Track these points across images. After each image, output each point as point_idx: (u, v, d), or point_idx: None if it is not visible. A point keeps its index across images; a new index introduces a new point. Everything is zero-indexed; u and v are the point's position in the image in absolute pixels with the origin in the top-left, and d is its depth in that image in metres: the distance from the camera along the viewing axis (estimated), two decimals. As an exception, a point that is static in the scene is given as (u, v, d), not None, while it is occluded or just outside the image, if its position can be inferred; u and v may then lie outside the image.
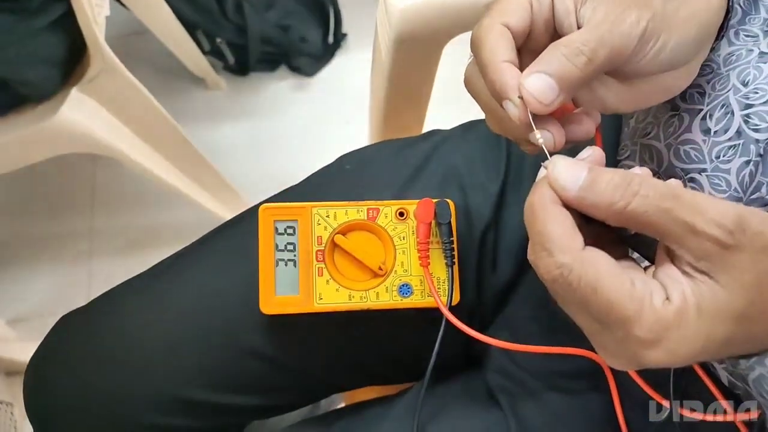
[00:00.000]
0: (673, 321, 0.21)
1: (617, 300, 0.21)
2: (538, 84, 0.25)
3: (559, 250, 0.22)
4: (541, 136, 0.26)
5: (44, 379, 0.42)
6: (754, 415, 0.32)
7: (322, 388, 0.45)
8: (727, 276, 0.21)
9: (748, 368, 0.25)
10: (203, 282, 0.42)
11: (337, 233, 0.40)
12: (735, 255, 0.21)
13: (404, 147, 0.48)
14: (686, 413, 0.33)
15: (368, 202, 0.40)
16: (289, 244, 0.39)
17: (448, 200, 0.39)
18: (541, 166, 0.26)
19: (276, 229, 0.39)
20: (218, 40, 1.15)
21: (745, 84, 0.31)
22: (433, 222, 0.39)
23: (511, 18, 0.26)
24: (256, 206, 0.45)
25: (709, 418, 0.33)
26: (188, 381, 0.40)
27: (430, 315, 0.39)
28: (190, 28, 1.10)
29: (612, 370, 0.37)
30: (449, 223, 0.39)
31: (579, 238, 0.23)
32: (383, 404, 0.44)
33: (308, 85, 1.27)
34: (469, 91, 0.29)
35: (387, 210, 0.40)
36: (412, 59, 0.49)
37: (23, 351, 0.84)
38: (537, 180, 0.25)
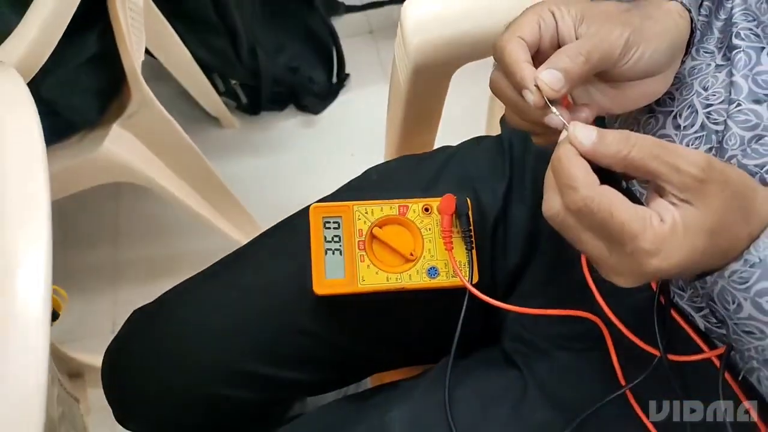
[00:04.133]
0: (668, 234, 0.29)
1: (628, 220, 0.29)
2: (550, 76, 0.33)
3: (583, 185, 0.30)
4: (557, 112, 0.34)
5: (121, 363, 0.49)
6: (721, 351, 0.39)
7: (362, 366, 0.52)
8: (702, 202, 0.29)
9: (713, 284, 0.32)
10: (261, 271, 0.49)
11: (375, 226, 0.48)
12: (707, 186, 0.29)
13: (422, 159, 0.56)
14: (674, 358, 0.41)
15: (399, 200, 0.49)
16: (335, 236, 0.47)
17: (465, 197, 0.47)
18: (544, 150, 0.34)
19: (324, 224, 0.47)
20: (233, 82, 1.25)
21: (705, 89, 0.40)
22: (454, 215, 0.47)
23: (525, 32, 0.35)
24: (302, 210, 0.53)
25: (692, 358, 0.40)
26: (249, 355, 0.47)
27: (454, 294, 0.47)
28: (207, 71, 1.20)
29: (608, 328, 0.44)
30: (467, 214, 0.47)
31: (596, 178, 0.31)
32: (412, 380, 0.51)
33: (315, 121, 1.36)
34: (493, 91, 0.38)
35: (414, 206, 0.49)
36: (426, 86, 0.58)
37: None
38: (559, 142, 0.33)
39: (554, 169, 0.32)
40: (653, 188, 0.31)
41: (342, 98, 1.39)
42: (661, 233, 0.29)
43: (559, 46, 0.35)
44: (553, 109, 0.34)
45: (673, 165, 0.29)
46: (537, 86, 0.33)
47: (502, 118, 0.57)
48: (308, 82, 1.32)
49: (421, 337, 0.52)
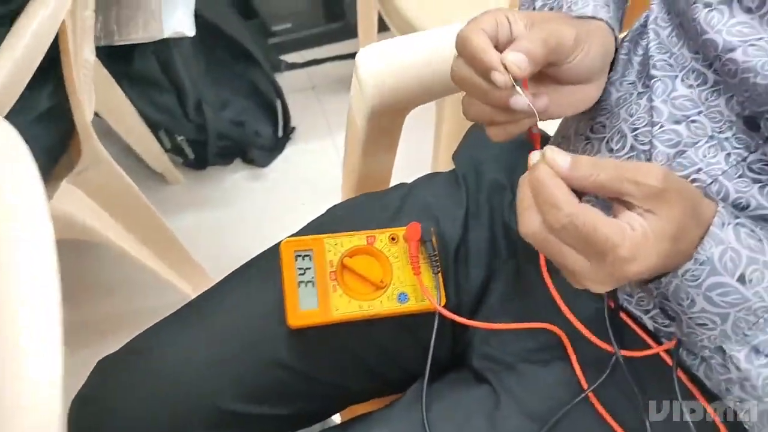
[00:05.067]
0: (641, 242, 0.32)
1: (610, 233, 0.32)
2: (515, 57, 0.36)
3: (565, 204, 0.33)
4: (522, 92, 0.37)
5: (91, 411, 0.48)
6: (670, 345, 0.43)
7: (338, 398, 0.53)
8: (663, 210, 0.33)
9: (667, 284, 0.36)
10: (234, 309, 0.50)
11: (345, 257, 0.50)
12: (666, 195, 0.33)
13: (382, 195, 0.60)
14: (626, 353, 0.45)
15: (366, 231, 0.51)
16: (307, 268, 0.49)
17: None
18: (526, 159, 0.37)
19: (296, 257, 0.49)
20: (179, 138, 1.26)
21: (631, 115, 0.45)
22: (419, 241, 0.50)
23: (485, 25, 0.38)
24: (269, 248, 0.55)
25: (644, 352, 0.44)
26: (228, 395, 0.47)
27: (424, 318, 0.49)
28: (154, 128, 1.21)
29: (569, 338, 0.48)
30: (431, 240, 0.51)
31: (575, 197, 0.34)
32: (386, 408, 0.52)
33: (263, 174, 1.38)
34: (455, 80, 0.40)
35: (381, 236, 0.51)
36: (381, 127, 0.62)
37: None
38: (531, 165, 0.36)
39: (535, 190, 0.34)
40: (617, 202, 0.35)
41: (288, 151, 1.42)
42: (635, 241, 0.32)
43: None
44: (519, 89, 0.37)
45: (636, 181, 0.33)
46: (505, 67, 0.36)
47: (455, 154, 0.62)
48: (254, 135, 1.35)
49: (396, 363, 0.53)
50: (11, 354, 0.31)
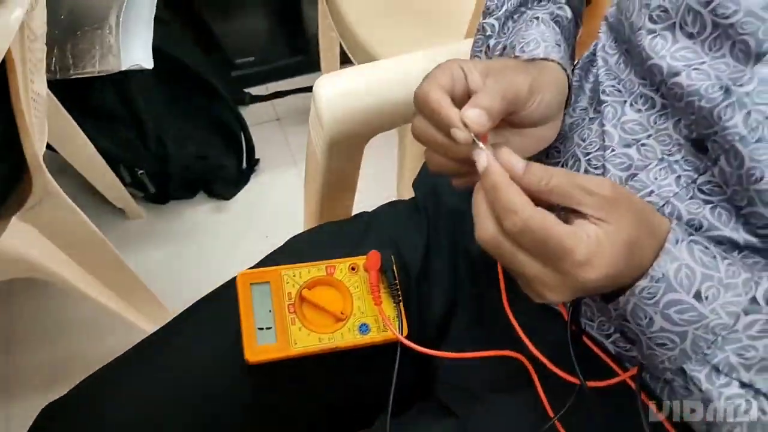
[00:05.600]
0: (595, 247, 0.32)
1: (566, 237, 0.32)
2: (475, 113, 0.36)
3: (522, 208, 0.33)
4: (483, 146, 0.36)
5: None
6: (634, 371, 0.43)
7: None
8: (615, 219, 0.33)
9: (625, 303, 0.36)
10: (189, 347, 0.48)
11: (304, 288, 0.49)
12: (617, 205, 0.33)
13: (343, 224, 0.59)
14: (592, 383, 0.44)
15: (325, 261, 0.50)
16: (264, 300, 0.47)
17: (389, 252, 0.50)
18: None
19: (252, 290, 0.47)
20: (140, 172, 1.23)
21: (583, 140, 0.46)
22: (380, 270, 0.49)
23: (441, 81, 0.39)
24: (226, 282, 0.53)
25: (609, 382, 0.43)
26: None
27: (386, 350, 0.48)
28: (113, 162, 1.18)
29: (534, 365, 0.47)
30: (392, 269, 0.50)
31: (531, 201, 0.33)
32: None
33: (227, 206, 1.36)
34: (417, 137, 0.41)
35: (341, 266, 0.50)
36: (341, 157, 0.62)
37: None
38: (484, 173, 0.35)
39: (491, 196, 0.34)
40: (570, 213, 0.35)
41: (253, 182, 1.40)
42: (589, 246, 0.32)
43: (470, 96, 0.39)
44: (480, 143, 0.37)
45: (587, 189, 0.34)
46: (464, 124, 0.36)
47: (414, 182, 0.62)
48: (218, 168, 1.33)
49: (360, 397, 0.51)
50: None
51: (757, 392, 0.34)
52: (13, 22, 0.55)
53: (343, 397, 0.51)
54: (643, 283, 0.35)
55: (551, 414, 0.46)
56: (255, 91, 1.54)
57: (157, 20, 1.08)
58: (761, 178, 0.36)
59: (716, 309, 0.34)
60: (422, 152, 0.56)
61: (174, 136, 1.23)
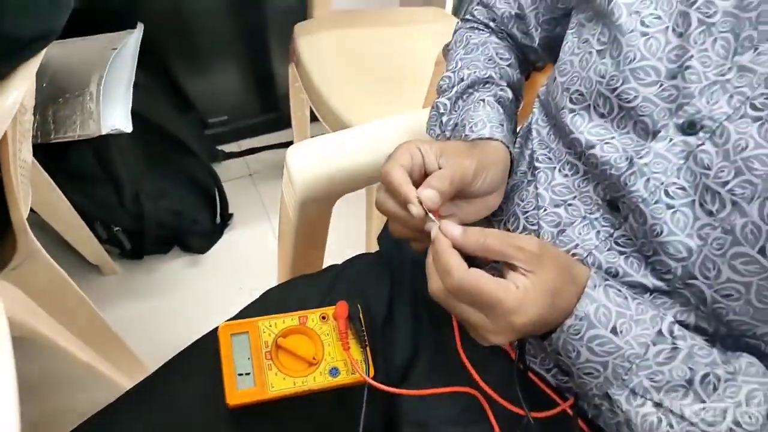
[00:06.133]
0: (523, 296, 0.39)
1: (495, 290, 0.39)
2: (429, 194, 0.44)
3: (456, 270, 0.40)
4: (434, 219, 0.44)
5: None
6: (571, 401, 0.49)
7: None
8: (542, 271, 0.40)
9: (557, 339, 0.42)
10: (172, 395, 0.52)
11: (279, 337, 0.54)
12: (543, 259, 0.40)
13: (314, 277, 0.64)
14: (536, 415, 0.50)
15: (298, 312, 0.55)
16: (243, 348, 0.52)
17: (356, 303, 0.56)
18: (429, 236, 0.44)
19: (233, 339, 0.52)
20: (115, 228, 1.27)
21: (522, 200, 0.53)
22: (348, 319, 0.55)
23: (402, 161, 0.46)
24: (206, 334, 0.58)
25: (550, 413, 0.49)
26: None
27: (355, 392, 0.53)
28: (89, 220, 1.22)
29: (487, 400, 0.53)
30: (359, 317, 0.55)
31: (465, 264, 0.40)
32: None
33: (201, 260, 1.40)
34: (380, 209, 0.48)
35: (313, 316, 0.56)
36: (311, 215, 0.68)
37: None
38: (433, 239, 0.43)
39: (435, 259, 0.42)
40: (505, 266, 0.42)
41: (227, 236, 1.45)
42: (518, 295, 0.39)
43: (426, 173, 0.47)
44: (432, 217, 0.44)
45: (518, 246, 0.41)
46: (420, 201, 0.44)
47: (379, 236, 0.68)
48: (192, 224, 1.38)
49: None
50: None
51: (666, 410, 0.40)
52: (11, 105, 0.61)
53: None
54: (569, 321, 0.42)
55: (504, 443, 0.51)
56: (228, 148, 1.61)
57: (134, 84, 1.14)
58: (661, 233, 0.43)
59: (629, 341, 0.41)
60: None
61: (150, 193, 1.28)
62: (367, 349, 0.55)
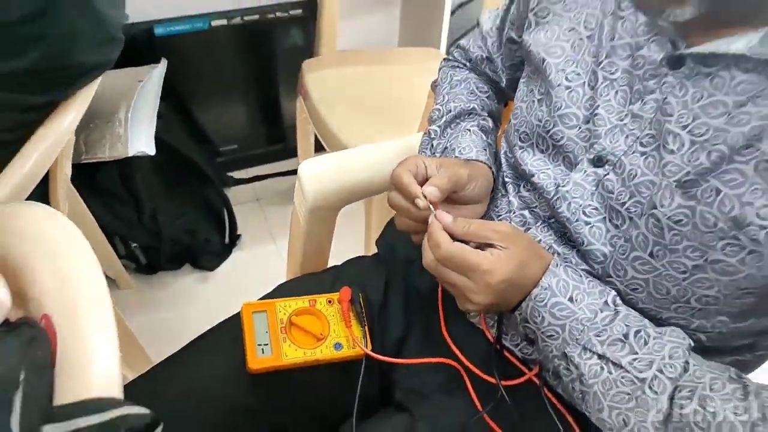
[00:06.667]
0: (497, 260, 0.50)
1: (474, 256, 0.50)
2: (431, 189, 0.55)
3: (444, 243, 0.51)
4: (434, 212, 0.55)
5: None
6: (536, 370, 0.59)
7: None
8: (513, 246, 0.51)
9: (526, 307, 0.52)
10: (200, 365, 0.62)
11: (293, 315, 0.64)
12: (514, 237, 0.51)
13: (321, 273, 0.75)
14: (506, 382, 0.59)
15: (308, 296, 0.66)
16: (262, 324, 0.62)
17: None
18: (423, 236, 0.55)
19: (254, 317, 0.63)
20: (133, 245, 1.38)
21: (497, 208, 0.64)
22: (350, 302, 0.65)
23: (410, 168, 0.58)
24: (234, 315, 0.68)
25: (519, 380, 0.59)
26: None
27: (356, 365, 0.63)
28: (109, 235, 1.32)
29: (465, 371, 0.62)
30: (359, 301, 0.66)
31: (450, 239, 0.52)
32: None
33: (210, 277, 1.50)
34: (391, 205, 0.59)
35: (321, 299, 0.66)
36: (319, 221, 0.79)
37: None
38: (429, 225, 0.54)
39: (429, 237, 0.53)
40: (485, 247, 0.53)
41: (234, 256, 1.55)
42: (493, 260, 0.51)
43: (427, 179, 0.58)
44: (432, 208, 0.56)
45: (494, 229, 0.52)
46: (424, 196, 0.56)
47: (377, 240, 0.79)
48: (204, 243, 1.48)
49: (334, 404, 0.65)
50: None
51: (607, 360, 0.50)
52: (71, 123, 0.72)
53: (321, 403, 0.65)
54: (536, 291, 0.52)
55: (479, 408, 0.61)
56: (238, 174, 1.73)
57: (157, 114, 1.26)
58: (583, 243, 0.55)
59: (582, 308, 0.52)
60: (383, 219, 0.75)
61: (167, 213, 1.39)
62: (366, 327, 0.65)
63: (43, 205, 0.51)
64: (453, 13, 1.67)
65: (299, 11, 1.55)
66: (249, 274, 1.51)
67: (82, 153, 1.22)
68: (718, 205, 0.46)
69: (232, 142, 1.74)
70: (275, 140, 1.79)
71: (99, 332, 0.40)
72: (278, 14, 1.53)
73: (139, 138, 1.23)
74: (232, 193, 1.64)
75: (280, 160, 1.81)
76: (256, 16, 1.52)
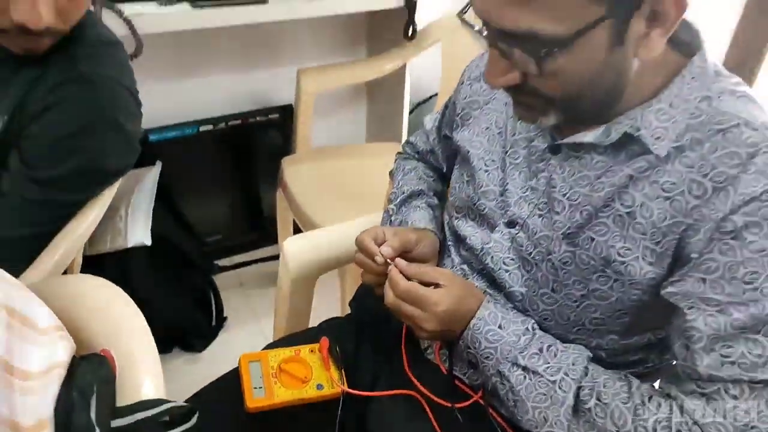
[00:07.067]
0: (442, 295, 0.66)
1: (425, 292, 0.66)
2: (385, 248, 0.72)
3: (401, 282, 0.68)
4: (392, 265, 0.71)
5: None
6: (481, 393, 0.73)
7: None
8: (453, 285, 0.67)
9: (467, 335, 0.67)
10: (207, 407, 0.74)
11: (281, 363, 0.78)
12: (455, 279, 0.68)
13: (303, 332, 0.89)
14: (458, 405, 0.73)
15: (294, 347, 0.80)
16: (257, 370, 0.76)
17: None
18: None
19: (250, 365, 0.76)
20: (128, 329, 1.48)
21: (444, 265, 0.81)
22: (328, 350, 0.79)
23: (371, 235, 0.74)
24: (233, 369, 0.81)
25: (466, 403, 0.73)
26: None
27: (335, 403, 0.76)
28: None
29: (427, 401, 0.76)
30: (336, 350, 0.80)
31: (405, 280, 0.68)
32: None
33: (199, 358, 1.60)
34: (357, 263, 0.75)
35: (304, 349, 0.80)
36: (300, 289, 0.94)
37: None
38: (389, 271, 0.70)
39: (389, 280, 0.70)
40: (435, 285, 0.68)
41: (221, 337, 1.67)
42: (439, 293, 0.66)
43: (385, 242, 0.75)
44: (390, 262, 0.72)
45: (439, 271, 0.69)
46: (382, 254, 0.72)
47: (350, 302, 0.94)
48: (192, 325, 1.60)
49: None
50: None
51: (528, 369, 0.65)
52: (93, 220, 0.88)
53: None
54: (473, 321, 0.68)
55: (439, 431, 0.74)
56: (222, 262, 1.88)
57: (151, 208, 1.42)
58: (505, 287, 0.72)
59: (509, 333, 0.67)
60: (354, 285, 0.91)
61: (159, 298, 1.51)
62: (342, 370, 0.79)
63: (95, 276, 0.66)
64: (411, 111, 1.92)
65: (277, 115, 1.77)
66: (235, 354, 1.61)
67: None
68: (592, 249, 0.64)
69: (217, 233, 1.90)
70: (256, 229, 1.96)
71: (146, 363, 0.55)
72: (258, 118, 1.75)
73: (137, 230, 1.38)
74: (218, 279, 1.77)
75: (261, 247, 1.96)
76: (239, 121, 1.73)
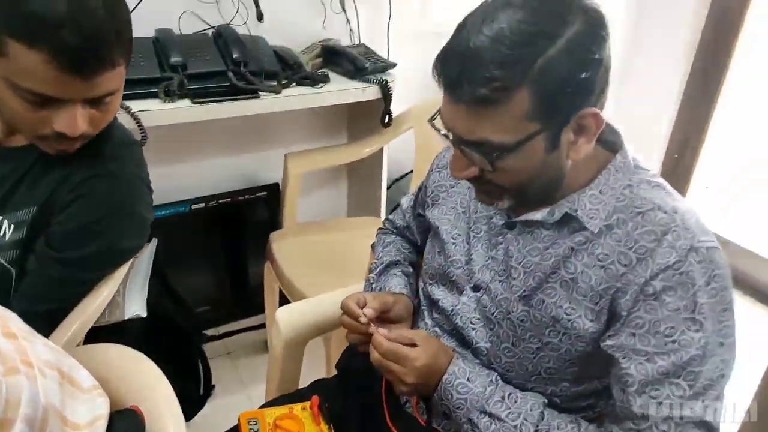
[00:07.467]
0: (419, 352, 0.77)
1: (405, 351, 0.76)
2: (369, 310, 0.83)
3: (384, 342, 0.78)
4: (375, 327, 0.82)
5: None
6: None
7: None
8: (428, 345, 0.79)
9: (440, 388, 0.76)
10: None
11: (276, 420, 0.87)
12: (430, 340, 0.80)
13: (294, 393, 0.98)
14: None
15: (287, 405, 0.89)
16: (255, 426, 0.85)
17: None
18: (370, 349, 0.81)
19: (248, 422, 0.85)
20: (119, 400, 1.53)
21: (419, 327, 0.92)
22: (318, 407, 0.89)
23: (354, 299, 0.85)
24: (233, 426, 0.89)
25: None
26: None
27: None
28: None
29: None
30: (326, 406, 0.89)
31: (387, 341, 0.78)
32: None
33: (188, 426, 1.64)
34: (342, 324, 0.86)
35: (297, 407, 0.89)
36: (291, 351, 1.04)
37: None
38: (372, 333, 0.81)
39: (373, 342, 0.80)
40: (412, 345, 0.79)
41: (209, 405, 1.71)
42: (417, 351, 0.77)
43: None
44: (372, 324, 0.83)
45: (415, 333, 0.80)
46: (365, 315, 0.83)
47: (336, 364, 1.04)
48: (181, 393, 1.65)
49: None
50: None
51: (492, 416, 0.76)
52: (106, 297, 0.98)
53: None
54: (445, 376, 0.79)
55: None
56: (210, 332, 1.95)
57: (145, 282, 1.51)
58: (472, 343, 0.84)
59: (477, 385, 0.78)
60: (340, 349, 1.02)
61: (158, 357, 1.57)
62: (331, 425, 0.88)
63: (121, 345, 0.75)
64: (389, 187, 2.07)
65: (264, 193, 1.91)
66: (224, 421, 1.66)
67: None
68: (544, 308, 0.76)
69: (205, 305, 1.98)
70: (243, 299, 2.04)
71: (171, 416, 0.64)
72: (247, 196, 1.88)
73: (133, 303, 1.46)
74: (206, 348, 1.84)
75: (248, 317, 2.04)
76: (229, 199, 1.86)
